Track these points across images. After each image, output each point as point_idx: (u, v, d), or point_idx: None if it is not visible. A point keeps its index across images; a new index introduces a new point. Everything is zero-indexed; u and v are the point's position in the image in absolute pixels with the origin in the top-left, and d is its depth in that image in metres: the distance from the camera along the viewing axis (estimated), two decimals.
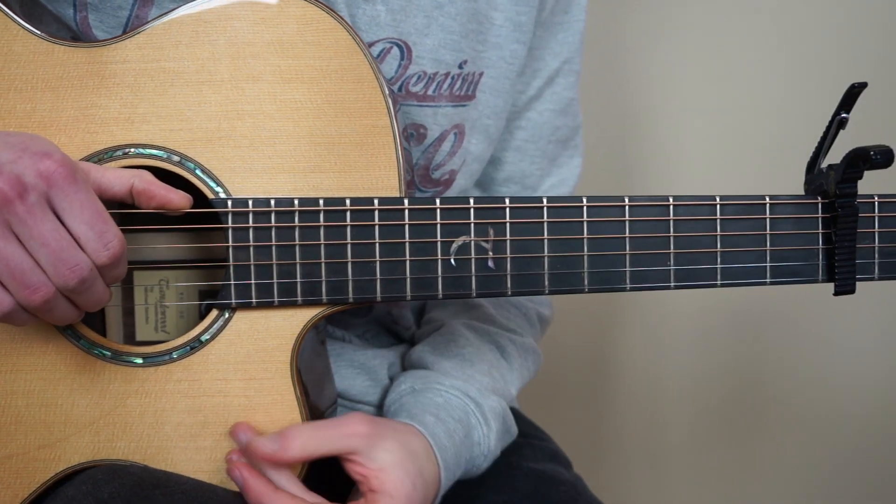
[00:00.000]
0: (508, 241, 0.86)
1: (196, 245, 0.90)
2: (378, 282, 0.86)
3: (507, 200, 0.86)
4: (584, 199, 0.87)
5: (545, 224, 0.87)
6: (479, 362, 1.01)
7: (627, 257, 0.87)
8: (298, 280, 0.85)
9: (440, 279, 0.86)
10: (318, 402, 0.93)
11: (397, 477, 0.85)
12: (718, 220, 0.88)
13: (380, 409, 1.05)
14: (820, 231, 0.89)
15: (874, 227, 0.90)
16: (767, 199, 0.89)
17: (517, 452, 1.03)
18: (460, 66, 0.98)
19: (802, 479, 1.79)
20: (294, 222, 0.85)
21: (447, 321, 1.07)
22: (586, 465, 1.18)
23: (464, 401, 0.97)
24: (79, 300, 0.78)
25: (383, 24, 0.94)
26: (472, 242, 0.86)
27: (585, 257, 0.87)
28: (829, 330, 1.72)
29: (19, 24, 0.85)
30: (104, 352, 0.86)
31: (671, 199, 0.88)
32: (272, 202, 0.85)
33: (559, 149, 1.11)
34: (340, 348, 1.05)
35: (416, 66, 0.96)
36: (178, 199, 0.82)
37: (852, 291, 0.89)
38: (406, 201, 0.85)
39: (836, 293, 0.90)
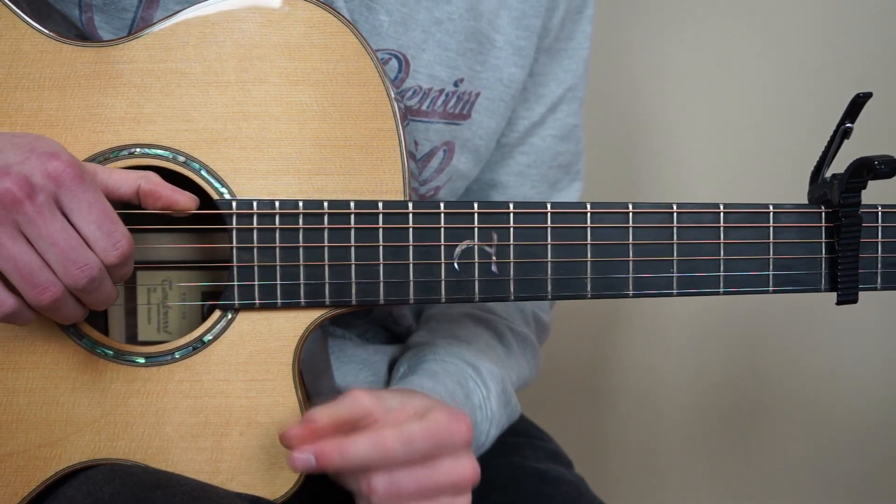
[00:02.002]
0: (512, 246, 0.87)
1: (200, 246, 0.90)
2: (381, 285, 0.86)
3: (511, 206, 0.86)
4: (588, 206, 0.87)
5: (549, 230, 0.87)
6: (476, 342, 1.01)
7: (630, 264, 0.88)
8: (302, 282, 0.85)
9: (443, 283, 0.86)
10: (318, 401, 0.93)
11: (418, 399, 0.84)
12: (722, 228, 0.88)
13: None
14: (823, 240, 0.90)
15: (877, 237, 0.90)
16: (771, 207, 0.89)
17: (519, 453, 1.04)
18: (455, 84, 0.98)
19: (803, 480, 1.79)
20: (298, 224, 0.85)
21: (444, 311, 1.07)
22: (587, 465, 1.18)
23: (459, 365, 0.96)
24: (86, 299, 0.78)
25: (385, 34, 0.95)
26: (476, 247, 0.87)
27: (588, 263, 0.87)
28: (831, 332, 1.73)
29: (27, 23, 0.85)
30: (106, 351, 0.86)
31: (675, 207, 0.88)
32: (276, 204, 0.85)
33: (560, 174, 1.11)
34: (342, 344, 1.05)
35: (412, 80, 0.96)
36: (185, 200, 0.82)
37: (855, 301, 0.90)
38: (410, 205, 0.86)
39: (839, 302, 0.90)
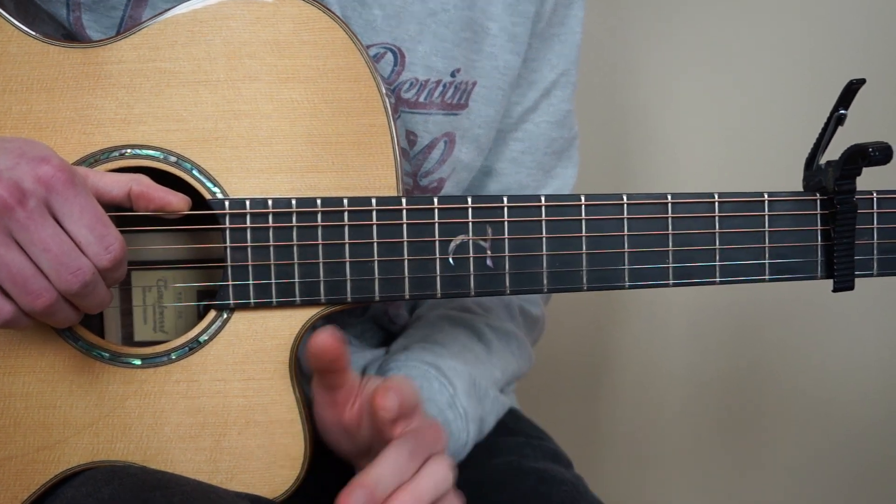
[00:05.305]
0: (507, 240, 0.86)
1: (194, 246, 0.90)
2: (376, 281, 0.86)
3: (505, 199, 0.86)
4: (583, 198, 0.87)
5: (543, 222, 0.87)
6: (451, 345, 1.00)
7: (626, 255, 0.87)
8: (297, 280, 0.85)
9: (439, 278, 0.86)
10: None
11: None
12: (717, 218, 0.88)
13: None
14: (818, 227, 0.90)
15: (873, 224, 0.90)
16: (766, 195, 0.89)
17: (518, 452, 1.03)
18: (452, 75, 0.98)
19: (803, 476, 1.79)
20: (292, 222, 0.85)
21: (424, 314, 1.07)
22: (586, 465, 1.18)
23: (422, 368, 0.95)
24: (81, 304, 0.78)
25: (379, 28, 0.94)
26: (471, 241, 0.86)
27: (584, 255, 0.87)
28: (828, 325, 1.73)
29: (14, 25, 0.84)
30: (103, 353, 0.86)
31: (669, 197, 0.88)
32: (269, 202, 0.84)
33: (554, 160, 1.11)
34: None
35: (408, 73, 0.96)
36: (177, 202, 0.82)
37: (851, 288, 0.90)
38: (404, 201, 0.85)
39: (836, 289, 0.90)
